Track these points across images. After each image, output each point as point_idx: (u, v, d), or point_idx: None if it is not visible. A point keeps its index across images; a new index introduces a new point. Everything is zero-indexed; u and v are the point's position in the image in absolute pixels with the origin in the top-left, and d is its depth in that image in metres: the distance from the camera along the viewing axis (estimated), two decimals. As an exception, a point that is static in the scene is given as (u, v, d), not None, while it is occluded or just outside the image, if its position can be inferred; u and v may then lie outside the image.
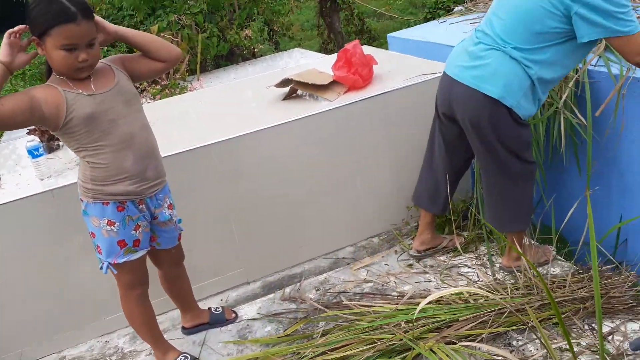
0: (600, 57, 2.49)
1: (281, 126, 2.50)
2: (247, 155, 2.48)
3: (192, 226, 2.30)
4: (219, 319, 2.37)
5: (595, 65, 2.47)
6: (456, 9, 4.32)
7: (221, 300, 2.56)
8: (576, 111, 2.47)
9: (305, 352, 1.99)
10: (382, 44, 5.52)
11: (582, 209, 2.53)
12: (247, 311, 2.45)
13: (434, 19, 5.46)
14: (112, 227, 1.85)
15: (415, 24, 6.25)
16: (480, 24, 2.17)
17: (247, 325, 2.35)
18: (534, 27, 1.92)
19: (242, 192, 2.51)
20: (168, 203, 2.01)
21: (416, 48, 3.84)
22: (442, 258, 2.58)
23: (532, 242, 2.50)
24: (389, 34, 4.46)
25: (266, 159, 2.51)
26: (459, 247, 2.57)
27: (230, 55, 5.80)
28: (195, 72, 5.83)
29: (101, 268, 1.92)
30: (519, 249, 2.27)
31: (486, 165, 2.25)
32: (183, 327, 2.36)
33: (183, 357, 2.12)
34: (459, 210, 2.77)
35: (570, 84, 2.48)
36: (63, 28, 1.61)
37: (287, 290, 2.56)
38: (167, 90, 5.25)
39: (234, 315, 2.41)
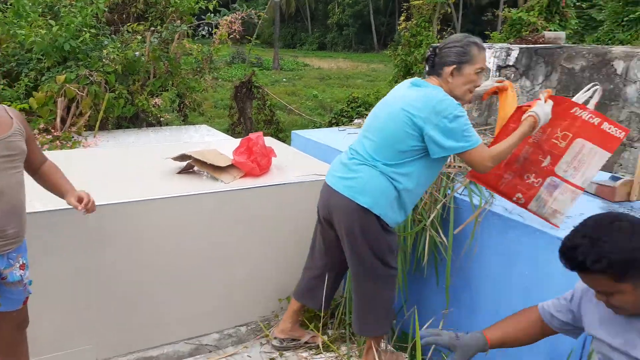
0: (465, 187, 2.85)
1: (167, 199, 2.50)
2: (123, 224, 2.41)
3: (43, 291, 2.14)
4: None
5: (460, 194, 2.81)
6: (356, 120, 4.72)
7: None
8: (440, 231, 2.76)
9: None
10: (288, 136, 5.81)
11: (439, 319, 2.75)
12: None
13: (337, 124, 5.90)
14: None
15: (321, 126, 6.70)
16: (354, 142, 2.45)
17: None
18: (398, 146, 2.24)
19: (106, 262, 2.40)
20: (21, 263, 1.88)
21: (315, 148, 4.11)
22: (305, 354, 2.61)
23: (389, 347, 2.63)
24: (293, 131, 4.74)
25: (143, 230, 2.46)
26: (319, 345, 2.62)
27: (134, 119, 5.74)
28: (94, 128, 5.66)
29: None
30: (375, 354, 2.38)
31: (355, 269, 2.40)
32: None
33: None
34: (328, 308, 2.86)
35: (438, 206, 2.79)
36: None
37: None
38: (58, 141, 5.01)
39: None
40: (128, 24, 5.82)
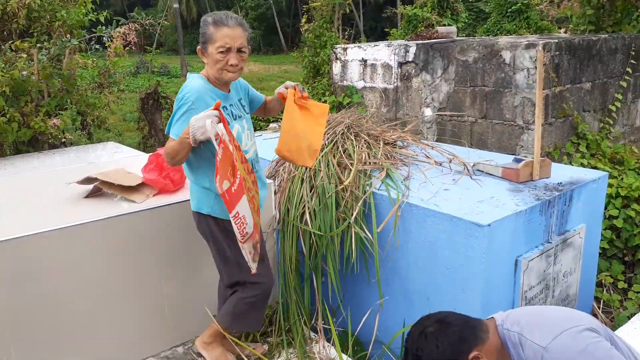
0: (382, 182, 2.96)
1: (77, 227, 2.36)
2: (32, 257, 2.25)
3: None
4: None
5: (378, 189, 2.91)
6: (271, 125, 4.73)
7: None
8: (364, 227, 2.84)
9: None
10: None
11: (373, 314, 2.83)
12: None
13: (255, 129, 5.86)
14: None
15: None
16: None
17: None
18: None
19: (21, 296, 2.24)
20: None
21: (232, 157, 4.06)
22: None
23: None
24: (207, 140, 4.64)
25: (56, 260, 2.31)
26: (261, 357, 2.60)
27: (34, 142, 5.33)
28: (-11, 156, 5.19)
29: None
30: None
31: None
32: None
33: None
34: (265, 315, 2.85)
35: (359, 203, 2.87)
36: None
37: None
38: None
39: None
40: (10, 42, 5.37)
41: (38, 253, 2.26)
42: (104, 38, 6.16)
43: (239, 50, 2.16)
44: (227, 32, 2.12)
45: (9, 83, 4.71)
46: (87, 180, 2.77)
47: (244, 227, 2.00)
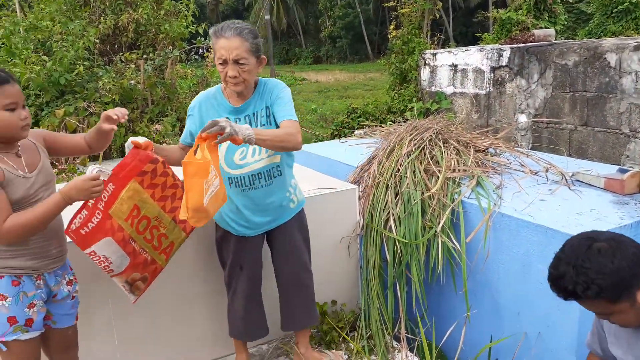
0: (472, 190, 2.86)
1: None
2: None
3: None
4: None
5: (468, 197, 2.82)
6: (356, 132, 4.74)
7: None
8: (452, 236, 2.76)
9: None
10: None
11: (459, 326, 2.74)
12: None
13: (339, 135, 5.94)
14: (4, 302, 1.73)
15: (323, 139, 6.73)
16: None
17: None
18: None
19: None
20: (67, 279, 1.94)
21: (318, 162, 4.13)
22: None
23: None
24: (295, 146, 4.75)
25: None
26: None
27: (137, 146, 5.77)
28: (98, 158, 5.69)
29: None
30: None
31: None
32: None
33: None
34: (346, 321, 2.86)
35: (447, 212, 2.79)
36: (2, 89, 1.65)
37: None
38: (64, 174, 5.04)
39: None
40: (120, 54, 5.87)
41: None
42: (202, 49, 6.54)
43: (237, 62, 2.06)
44: (223, 44, 2.05)
45: (118, 92, 5.15)
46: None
47: (107, 266, 1.94)
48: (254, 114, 2.21)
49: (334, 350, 2.69)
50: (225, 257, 2.41)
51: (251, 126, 2.15)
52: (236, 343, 2.55)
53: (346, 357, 2.62)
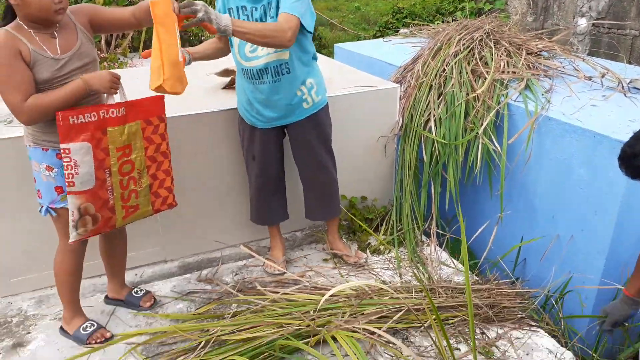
0: (520, 93, 2.76)
1: (218, 113, 2.54)
2: (181, 136, 2.48)
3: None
4: (133, 302, 2.30)
5: (514, 100, 2.72)
6: (401, 31, 4.54)
7: (136, 275, 2.55)
8: (493, 138, 2.71)
9: (213, 330, 2.04)
10: (331, 52, 5.68)
11: (490, 226, 2.78)
12: (160, 287, 2.46)
13: (382, 36, 5.70)
14: (50, 173, 1.85)
15: (365, 39, 6.49)
16: None
17: (160, 300, 2.36)
18: None
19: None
20: None
21: (359, 61, 4.02)
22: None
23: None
24: (336, 44, 4.62)
25: (198, 143, 2.53)
26: (360, 259, 2.67)
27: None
28: (138, 49, 5.69)
29: (40, 211, 1.90)
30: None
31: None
32: (106, 297, 2.34)
33: (89, 324, 2.10)
34: (377, 214, 2.94)
35: (492, 113, 2.72)
36: None
37: (204, 272, 2.59)
38: (105, 63, 5.10)
39: (149, 304, 2.30)
40: None
41: (179, 133, 2.49)
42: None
43: None
44: None
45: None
46: (225, 73, 2.94)
47: (71, 174, 1.80)
48: (269, 3, 2.14)
49: (357, 249, 2.78)
50: (242, 145, 2.51)
51: (265, 16, 2.13)
52: (269, 228, 2.68)
53: (365, 256, 2.71)
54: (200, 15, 1.82)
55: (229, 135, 2.57)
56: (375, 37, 6.89)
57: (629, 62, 3.68)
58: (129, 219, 2.03)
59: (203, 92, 2.88)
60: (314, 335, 1.98)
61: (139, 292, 2.34)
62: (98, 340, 2.07)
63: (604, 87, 2.78)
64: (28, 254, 2.33)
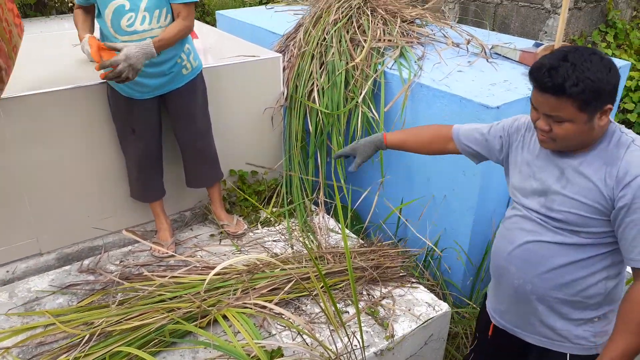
0: (395, 61, 2.87)
1: (84, 88, 2.36)
2: (43, 117, 2.28)
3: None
4: None
5: (390, 68, 2.83)
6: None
7: (7, 272, 2.34)
8: (372, 106, 2.81)
9: (98, 322, 1.95)
10: (215, 19, 5.49)
11: (372, 192, 2.91)
12: (37, 283, 2.29)
13: (267, 3, 5.60)
14: None
15: (251, 6, 6.32)
16: None
17: (36, 297, 2.20)
18: None
19: (38, 158, 2.31)
20: None
21: (241, 29, 3.92)
22: (254, 234, 2.73)
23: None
24: (217, 11, 4.47)
25: (65, 122, 2.35)
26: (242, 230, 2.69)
27: (41, 6, 5.16)
28: (-6, 18, 5.05)
29: None
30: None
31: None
32: None
33: None
34: (267, 186, 2.95)
35: (369, 82, 2.81)
36: None
37: (86, 262, 2.45)
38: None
39: None
40: None
41: (48, 111, 2.29)
42: None
43: None
44: None
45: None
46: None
47: None
48: None
49: (240, 217, 2.79)
50: (116, 118, 2.38)
51: (151, 12, 2.13)
52: (153, 208, 2.59)
53: (245, 226, 2.73)
54: (120, 68, 1.97)
55: (101, 112, 2.41)
56: (260, 3, 6.74)
57: (492, 29, 3.97)
58: None
59: (71, 66, 2.65)
60: (204, 317, 1.97)
61: None
62: None
63: (470, 53, 2.98)
64: None
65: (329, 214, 2.86)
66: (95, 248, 2.55)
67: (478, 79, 2.61)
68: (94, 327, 1.94)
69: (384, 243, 2.62)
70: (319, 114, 2.91)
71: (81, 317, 2.02)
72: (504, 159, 1.67)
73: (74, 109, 2.34)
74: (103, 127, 2.44)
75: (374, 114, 2.79)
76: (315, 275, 2.20)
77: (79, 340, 1.89)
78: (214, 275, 2.21)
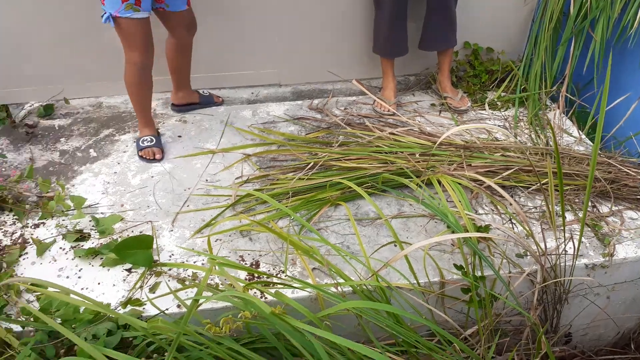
0: None
1: None
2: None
3: (239, 20, 2.31)
4: (208, 101, 2.53)
5: None
6: None
7: (252, 93, 2.64)
8: (665, -6, 2.28)
9: (321, 155, 2.12)
10: None
11: (629, 100, 2.49)
12: (274, 109, 2.54)
13: None
14: None
15: None
16: None
17: (273, 120, 2.46)
18: None
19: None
20: None
21: None
22: (476, 113, 2.60)
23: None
24: None
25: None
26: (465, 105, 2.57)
27: None
28: None
29: (102, 16, 1.91)
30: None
31: None
32: (172, 104, 2.48)
33: (149, 138, 2.22)
34: (502, 68, 2.73)
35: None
36: None
37: (316, 101, 2.63)
38: None
39: (220, 99, 2.57)
40: None
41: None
42: None
43: None
44: None
45: None
46: None
47: None
48: None
49: (465, 94, 2.64)
50: None
51: None
52: (384, 66, 2.58)
53: (469, 103, 2.57)
54: None
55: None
56: None
57: None
58: None
59: None
60: (417, 176, 1.99)
61: (206, 92, 2.55)
62: (147, 157, 2.17)
63: None
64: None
65: (566, 114, 2.56)
66: (324, 91, 2.70)
67: None
68: (318, 158, 2.11)
69: (626, 158, 2.29)
70: (588, -5, 2.47)
71: (308, 147, 2.22)
72: None
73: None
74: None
75: (664, 5, 2.27)
76: (539, 171, 2.03)
77: (304, 164, 2.10)
78: (435, 141, 2.20)
